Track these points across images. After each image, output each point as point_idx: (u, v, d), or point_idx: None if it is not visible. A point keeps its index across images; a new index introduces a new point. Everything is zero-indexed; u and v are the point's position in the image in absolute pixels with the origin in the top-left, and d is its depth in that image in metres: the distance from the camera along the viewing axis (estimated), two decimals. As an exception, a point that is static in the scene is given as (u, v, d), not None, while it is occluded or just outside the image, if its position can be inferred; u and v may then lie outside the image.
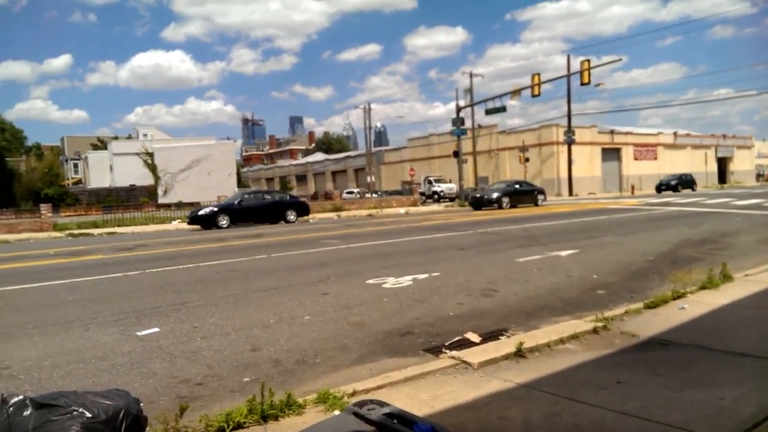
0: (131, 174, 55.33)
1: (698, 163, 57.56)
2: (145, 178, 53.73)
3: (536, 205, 28.60)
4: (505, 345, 4.30)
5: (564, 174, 46.18)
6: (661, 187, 43.87)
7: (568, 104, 44.96)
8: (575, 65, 38.86)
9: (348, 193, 53.31)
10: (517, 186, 30.04)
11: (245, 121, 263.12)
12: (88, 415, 2.67)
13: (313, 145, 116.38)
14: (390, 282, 7.34)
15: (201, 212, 22.22)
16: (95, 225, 25.34)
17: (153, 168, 52.76)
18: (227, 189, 46.48)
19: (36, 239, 20.31)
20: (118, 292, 7.66)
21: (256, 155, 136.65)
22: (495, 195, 28.03)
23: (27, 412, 2.71)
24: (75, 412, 2.67)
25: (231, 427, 2.79)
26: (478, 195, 29.85)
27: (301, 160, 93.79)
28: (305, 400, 3.16)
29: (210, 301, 6.75)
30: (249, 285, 7.85)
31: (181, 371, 4.10)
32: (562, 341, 4.34)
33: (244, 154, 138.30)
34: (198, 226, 21.87)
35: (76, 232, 22.49)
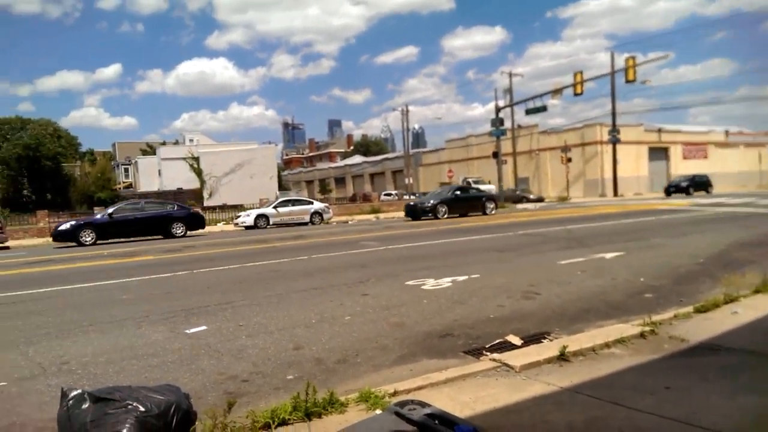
0: (178, 178, 57.10)
1: (752, 162, 55.06)
2: (191, 182, 55.34)
3: (484, 213, 24.85)
4: (547, 348, 4.25)
5: (608, 174, 45.02)
6: (670, 189, 39.73)
7: (613, 102, 43.82)
8: (619, 62, 37.88)
9: (386, 194, 53.50)
10: (458, 192, 25.81)
11: (285, 125, 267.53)
12: (142, 409, 2.79)
13: (352, 147, 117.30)
14: (429, 283, 7.34)
15: (62, 227, 19.34)
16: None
17: (199, 172, 54.30)
18: (269, 192, 47.38)
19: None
20: (167, 292, 7.95)
21: (296, 158, 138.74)
22: (431, 203, 24.25)
23: (85, 406, 2.86)
24: (129, 406, 2.80)
25: (276, 423, 2.87)
26: (411, 203, 26.69)
27: (340, 163, 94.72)
28: (347, 399, 3.21)
29: (254, 300, 6.92)
30: (291, 285, 8.00)
31: (228, 368, 4.23)
32: (607, 345, 4.25)
33: (284, 157, 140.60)
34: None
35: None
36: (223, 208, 35.21)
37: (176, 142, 78.21)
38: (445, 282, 7.39)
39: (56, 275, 10.80)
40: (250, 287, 8.01)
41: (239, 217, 26.01)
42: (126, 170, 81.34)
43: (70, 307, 7.26)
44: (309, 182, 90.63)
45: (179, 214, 21.03)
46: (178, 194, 55.21)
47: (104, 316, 6.41)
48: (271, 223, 24.99)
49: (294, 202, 27.33)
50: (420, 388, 3.49)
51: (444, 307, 6.08)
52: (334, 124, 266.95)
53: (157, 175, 64.85)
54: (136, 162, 73.90)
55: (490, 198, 26.29)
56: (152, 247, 16.52)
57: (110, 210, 20.44)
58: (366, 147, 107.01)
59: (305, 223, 25.72)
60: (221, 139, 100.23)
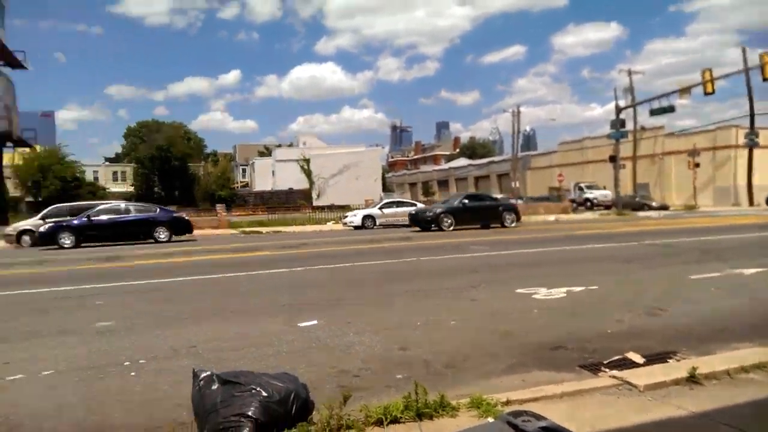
0: (290, 179, 60.26)
1: None
2: (302, 183, 58.15)
3: (503, 226, 21.42)
4: (674, 369, 3.91)
5: (742, 181, 40.60)
6: None
7: (750, 102, 39.57)
8: (753, 59, 33.99)
9: (492, 199, 52.34)
10: (467, 200, 21.97)
11: (394, 128, 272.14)
12: (264, 394, 2.96)
13: (458, 150, 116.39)
14: (541, 293, 7.07)
15: (42, 229, 18.91)
16: (262, 224, 28.09)
17: (308, 173, 56.93)
18: (373, 193, 48.45)
19: (215, 235, 23.09)
20: (283, 286, 8.41)
21: (401, 161, 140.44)
22: (436, 211, 21.11)
23: (214, 387, 3.08)
24: (254, 391, 2.98)
25: (388, 420, 2.91)
26: (413, 211, 23.60)
27: (444, 166, 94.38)
28: (458, 403, 3.18)
29: (363, 299, 7.10)
30: (398, 286, 8.10)
31: (339, 363, 4.37)
32: (744, 370, 3.82)
33: (389, 160, 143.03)
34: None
35: (248, 230, 25.18)
36: (331, 208, 36.56)
37: (291, 145, 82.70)
38: (559, 292, 7.07)
39: (181, 267, 11.84)
40: (359, 286, 8.24)
41: (347, 217, 26.83)
42: (244, 170, 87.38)
43: (197, 296, 7.93)
44: (412, 185, 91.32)
45: (162, 218, 20.14)
46: (289, 194, 58.30)
47: (226, 307, 6.92)
48: (377, 223, 25.51)
49: (398, 204, 27.67)
50: (534, 399, 3.36)
51: (556, 318, 5.82)
52: (441, 127, 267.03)
53: (271, 176, 68.96)
54: (253, 163, 79.12)
55: (509, 208, 22.59)
56: (269, 243, 17.56)
57: (90, 212, 19.54)
58: (472, 149, 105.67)
59: (409, 225, 25.95)
60: (334, 142, 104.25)
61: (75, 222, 18.99)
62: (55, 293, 8.45)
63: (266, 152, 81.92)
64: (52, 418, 3.42)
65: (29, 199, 52.34)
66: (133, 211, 20.31)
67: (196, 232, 21.76)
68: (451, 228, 20.40)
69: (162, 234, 19.54)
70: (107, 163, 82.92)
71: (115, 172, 78.05)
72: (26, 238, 20.63)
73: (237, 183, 79.89)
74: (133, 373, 4.23)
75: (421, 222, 21.38)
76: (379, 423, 2.90)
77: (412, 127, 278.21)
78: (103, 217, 19.31)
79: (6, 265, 13.12)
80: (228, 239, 20.20)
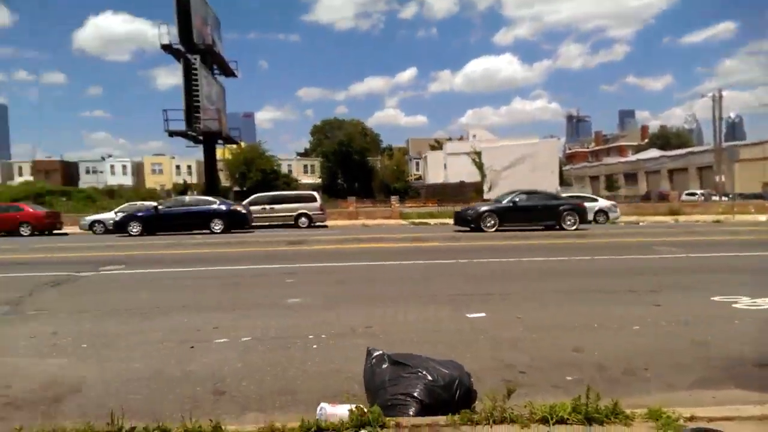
0: (462, 171, 60.42)
1: None
2: (473, 175, 57.97)
3: (561, 228, 18.51)
4: None
5: None
6: None
7: None
8: None
9: (688, 194, 46.54)
10: (517, 199, 18.98)
11: (569, 117, 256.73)
12: (430, 378, 3.07)
13: (646, 140, 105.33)
14: (744, 302, 6.13)
15: (117, 219, 21.60)
16: (431, 215, 28.78)
17: (480, 166, 56.49)
18: (549, 187, 46.28)
19: (386, 225, 24.28)
20: (450, 276, 8.55)
21: (580, 153, 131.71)
22: (479, 210, 18.96)
23: (384, 366, 3.28)
24: (420, 374, 3.11)
25: (554, 420, 2.81)
26: (459, 210, 21.31)
27: (632, 157, 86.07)
28: (633, 413, 2.94)
29: (533, 295, 6.90)
30: (571, 284, 7.71)
31: (506, 357, 4.32)
32: None
33: (567, 151, 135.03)
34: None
35: (417, 221, 26.00)
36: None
37: (461, 138, 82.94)
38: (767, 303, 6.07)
39: (359, 252, 12.68)
40: (530, 281, 8.03)
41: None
42: (417, 164, 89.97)
43: (369, 281, 8.44)
44: (593, 178, 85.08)
45: (219, 211, 21.07)
46: (461, 186, 58.48)
47: (397, 292, 7.27)
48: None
49: (576, 199, 26.05)
50: (726, 419, 2.95)
51: (765, 331, 5.01)
52: (625, 115, 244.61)
53: (443, 168, 69.95)
54: (425, 156, 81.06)
55: (572, 209, 19.17)
56: (437, 234, 17.93)
57: (157, 205, 21.82)
58: (665, 140, 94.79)
59: (588, 222, 24.33)
60: (502, 134, 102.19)
61: (142, 213, 21.11)
62: (252, 271, 9.69)
63: (437, 146, 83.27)
64: (247, 378, 3.96)
65: (236, 188, 60.51)
66: (195, 204, 22.00)
67: (368, 221, 23.13)
68: (494, 229, 18.27)
69: (217, 226, 20.65)
70: (298, 157, 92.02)
71: (305, 165, 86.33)
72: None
73: (411, 175, 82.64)
74: (314, 346, 4.69)
75: (461, 221, 19.62)
76: (544, 421, 2.82)
77: (591, 117, 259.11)
78: (169, 209, 21.24)
79: (211, 244, 15.39)
80: (397, 229, 21.05)
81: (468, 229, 18.71)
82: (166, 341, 4.94)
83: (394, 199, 33.39)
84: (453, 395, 3.02)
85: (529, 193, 20.21)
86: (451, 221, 25.95)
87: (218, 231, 20.50)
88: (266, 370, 4.12)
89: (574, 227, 18.56)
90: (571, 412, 2.85)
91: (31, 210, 24.11)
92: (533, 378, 3.88)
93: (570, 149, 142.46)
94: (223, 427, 2.71)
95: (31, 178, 70.41)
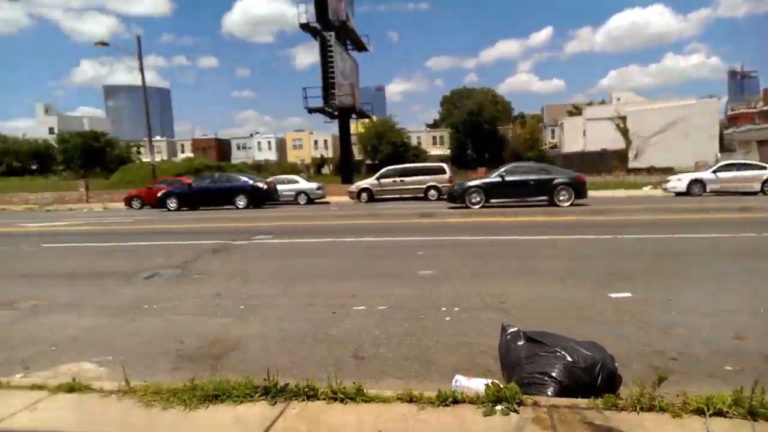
0: (603, 138, 56.28)
1: None
2: (616, 142, 53.75)
3: (555, 204, 17.13)
4: None
5: None
6: None
7: None
8: None
9: None
10: (506, 174, 18.03)
11: (732, 74, 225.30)
12: (569, 359, 2.96)
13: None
14: None
15: (158, 194, 23.53)
16: (567, 187, 27.27)
17: (624, 132, 52.19)
18: (707, 154, 41.47)
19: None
20: (589, 254, 8.10)
21: (745, 114, 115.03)
22: (465, 185, 18.17)
23: (520, 342, 3.23)
24: (558, 353, 3.01)
25: (711, 412, 2.57)
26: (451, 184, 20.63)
27: (813, 117, 73.47)
28: (812, 413, 2.58)
29: (686, 275, 6.30)
30: (732, 265, 6.89)
31: (654, 342, 4.01)
32: None
33: (729, 113, 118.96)
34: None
35: (551, 192, 24.81)
36: (650, 170, 32.86)
37: (602, 102, 76.96)
38: None
39: (489, 226, 12.48)
40: (683, 261, 7.32)
41: (668, 181, 23.73)
42: (552, 131, 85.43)
43: (501, 255, 8.29)
44: (762, 142, 74.10)
45: (242, 187, 22.53)
46: (602, 155, 54.60)
47: (531, 268, 7.07)
48: (707, 189, 21.89)
49: (740, 167, 23.02)
50: None
51: None
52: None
53: (581, 136, 65.65)
54: (561, 123, 76.57)
55: (567, 184, 17.38)
56: (572, 208, 17.00)
57: (191, 182, 24.19)
58: None
59: (753, 193, 21.42)
60: (651, 96, 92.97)
61: (177, 190, 23.36)
62: (385, 243, 10.02)
63: (576, 111, 78.19)
64: (383, 345, 4.13)
65: (368, 161, 62.56)
66: (222, 181, 23.69)
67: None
68: (479, 206, 17.51)
69: (241, 201, 22.17)
70: (427, 129, 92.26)
71: (434, 137, 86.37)
72: (364, 195, 24.88)
73: (545, 144, 78.89)
74: (447, 318, 4.75)
75: (449, 197, 18.85)
76: (699, 412, 2.59)
77: (758, 72, 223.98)
78: (200, 186, 23.32)
79: (345, 216, 16.11)
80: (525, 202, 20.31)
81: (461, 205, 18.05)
82: (310, 306, 5.33)
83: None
84: (595, 378, 2.89)
85: (519, 166, 19.45)
86: (591, 193, 24.46)
87: (242, 206, 22.14)
88: (402, 338, 4.27)
89: (568, 203, 17.21)
90: (731, 405, 2.59)
91: (193, 184, 27.15)
92: (686, 365, 3.57)
93: (733, 110, 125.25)
94: (365, 391, 2.87)
95: (191, 155, 79.09)
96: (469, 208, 17.52)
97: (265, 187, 23.15)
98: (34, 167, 72.63)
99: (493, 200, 17.90)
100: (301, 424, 2.63)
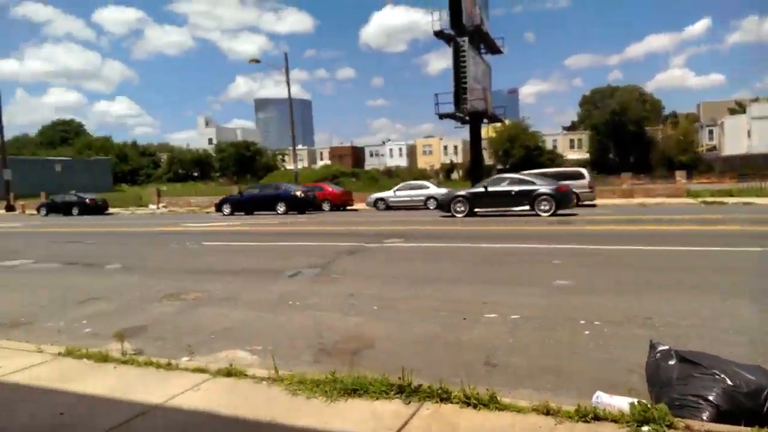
0: (773, 138, 49.37)
1: None
2: (790, 143, 46.80)
3: (536, 214, 17.03)
4: None
5: None
6: None
7: None
8: None
9: None
10: (488, 185, 18.47)
11: None
12: (730, 383, 2.69)
13: None
14: None
15: (216, 202, 27.14)
16: (729, 194, 24.34)
17: (802, 130, 45.19)
18: None
19: (668, 205, 21.48)
20: (747, 266, 7.18)
21: None
22: (454, 194, 19.28)
23: (672, 362, 2.98)
24: (717, 376, 2.74)
25: None
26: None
27: None
28: None
29: None
30: None
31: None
32: None
33: None
34: None
35: (709, 199, 22.32)
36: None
37: (774, 97, 67.38)
38: None
39: (635, 234, 11.55)
40: None
41: None
42: (710, 132, 76.78)
43: (647, 266, 7.64)
44: None
45: (282, 194, 24.75)
46: None
47: (682, 280, 6.43)
48: None
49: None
50: None
51: None
52: None
53: (745, 137, 58.21)
54: (721, 123, 68.44)
55: (548, 195, 17.31)
56: (729, 217, 15.12)
57: (244, 190, 27.32)
58: None
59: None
60: (840, 88, 79.58)
61: (235, 197, 26.55)
62: (519, 249, 9.74)
63: (739, 109, 69.34)
64: (517, 354, 4.04)
65: (499, 166, 61.23)
66: (265, 189, 26.58)
67: (646, 200, 20.75)
68: (463, 215, 18.11)
69: (281, 208, 24.16)
70: (564, 131, 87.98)
71: (571, 140, 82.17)
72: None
73: (701, 146, 71.11)
74: (587, 332, 4.50)
75: (438, 206, 20.28)
76: None
77: None
78: (249, 194, 26.08)
79: (472, 222, 15.88)
80: (682, 210, 18.39)
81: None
82: (441, 310, 5.38)
83: (679, 174, 29.20)
84: (760, 406, 2.58)
85: (503, 177, 20.11)
86: (756, 201, 21.59)
87: (281, 212, 24.11)
88: (536, 349, 4.15)
89: (548, 213, 17.05)
90: None
91: (330, 189, 28.71)
92: None
93: None
94: (498, 398, 2.85)
95: (329, 162, 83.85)
96: (455, 216, 18.21)
97: (302, 195, 25.18)
98: (195, 174, 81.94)
99: (477, 209, 18.42)
100: (435, 425, 2.69)
